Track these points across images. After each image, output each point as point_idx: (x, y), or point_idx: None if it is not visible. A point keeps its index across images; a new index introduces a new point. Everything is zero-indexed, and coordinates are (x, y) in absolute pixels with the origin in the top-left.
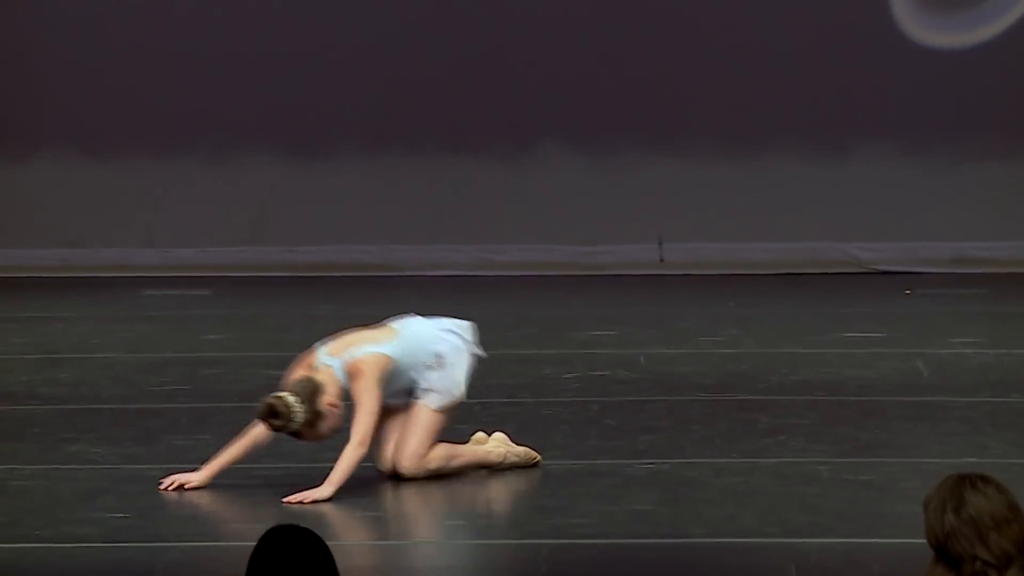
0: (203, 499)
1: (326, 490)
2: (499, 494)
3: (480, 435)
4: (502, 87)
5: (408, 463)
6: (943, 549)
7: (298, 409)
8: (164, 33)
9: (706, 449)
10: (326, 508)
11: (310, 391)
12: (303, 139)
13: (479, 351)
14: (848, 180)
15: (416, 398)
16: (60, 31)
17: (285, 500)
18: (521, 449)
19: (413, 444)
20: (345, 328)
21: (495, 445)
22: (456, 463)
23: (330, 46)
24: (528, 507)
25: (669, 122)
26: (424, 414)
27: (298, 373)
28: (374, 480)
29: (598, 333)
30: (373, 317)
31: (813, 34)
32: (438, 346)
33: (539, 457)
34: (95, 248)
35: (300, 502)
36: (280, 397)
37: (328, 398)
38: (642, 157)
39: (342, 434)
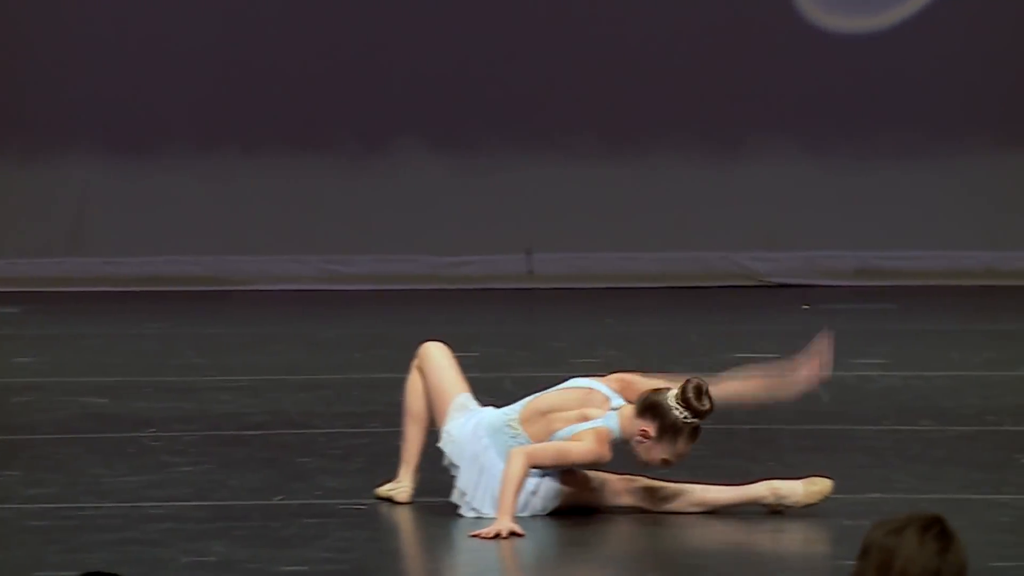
0: (6, 543)
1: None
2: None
3: None
4: (352, 77)
5: None
6: None
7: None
8: None
9: None
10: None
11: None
12: (125, 135)
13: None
14: (740, 181)
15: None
16: None
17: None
18: None
19: None
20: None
21: None
22: None
23: (156, 29)
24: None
25: (540, 117)
26: None
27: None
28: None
29: (459, 354)
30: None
31: (702, 17)
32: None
33: None
34: None
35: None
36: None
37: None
38: (510, 156)
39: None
